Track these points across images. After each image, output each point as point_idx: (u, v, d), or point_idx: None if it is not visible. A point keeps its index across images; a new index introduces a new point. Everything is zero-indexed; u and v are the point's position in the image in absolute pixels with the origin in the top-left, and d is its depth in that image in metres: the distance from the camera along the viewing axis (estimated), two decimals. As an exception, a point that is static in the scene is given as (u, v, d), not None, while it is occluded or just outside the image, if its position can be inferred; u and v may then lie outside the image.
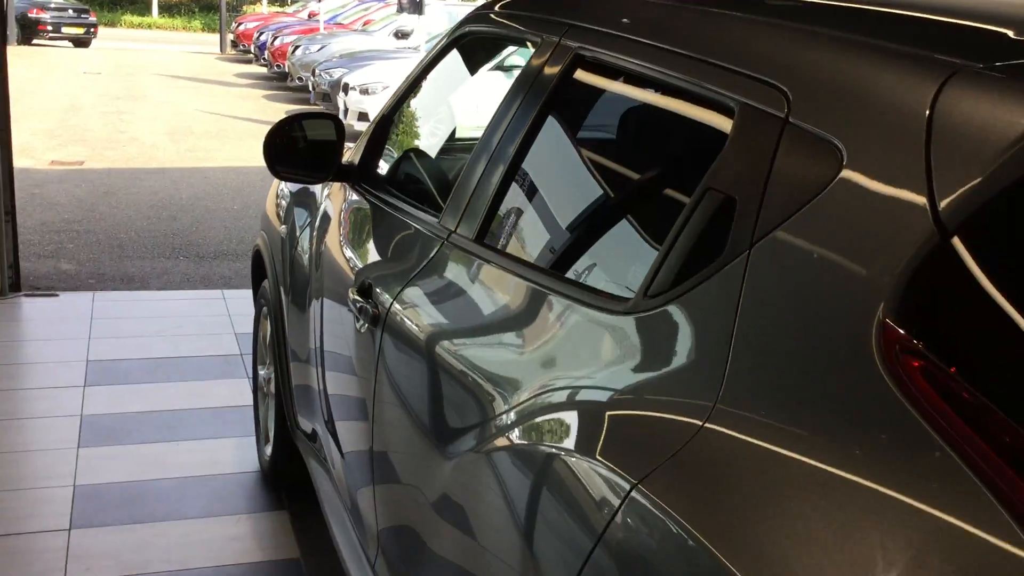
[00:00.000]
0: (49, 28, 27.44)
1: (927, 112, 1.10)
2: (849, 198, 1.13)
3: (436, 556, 1.72)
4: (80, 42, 27.98)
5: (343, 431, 2.43)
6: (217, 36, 29.90)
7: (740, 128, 1.32)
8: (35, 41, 27.57)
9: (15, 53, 25.75)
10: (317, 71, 14.88)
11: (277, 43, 19.87)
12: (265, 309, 3.43)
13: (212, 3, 37.55)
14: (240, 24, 27.47)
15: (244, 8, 34.68)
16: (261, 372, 3.61)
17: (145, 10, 39.79)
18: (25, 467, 3.60)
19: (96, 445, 3.75)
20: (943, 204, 1.04)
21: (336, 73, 13.82)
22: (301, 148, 2.64)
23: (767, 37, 1.42)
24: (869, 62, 1.23)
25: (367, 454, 2.18)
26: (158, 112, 14.76)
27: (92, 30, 28.40)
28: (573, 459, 1.31)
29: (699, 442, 1.15)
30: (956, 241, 1.02)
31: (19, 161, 9.92)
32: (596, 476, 1.24)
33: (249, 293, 4.31)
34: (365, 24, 19.76)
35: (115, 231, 7.45)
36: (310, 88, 15.69)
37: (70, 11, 28.19)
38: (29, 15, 27.39)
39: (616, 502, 1.18)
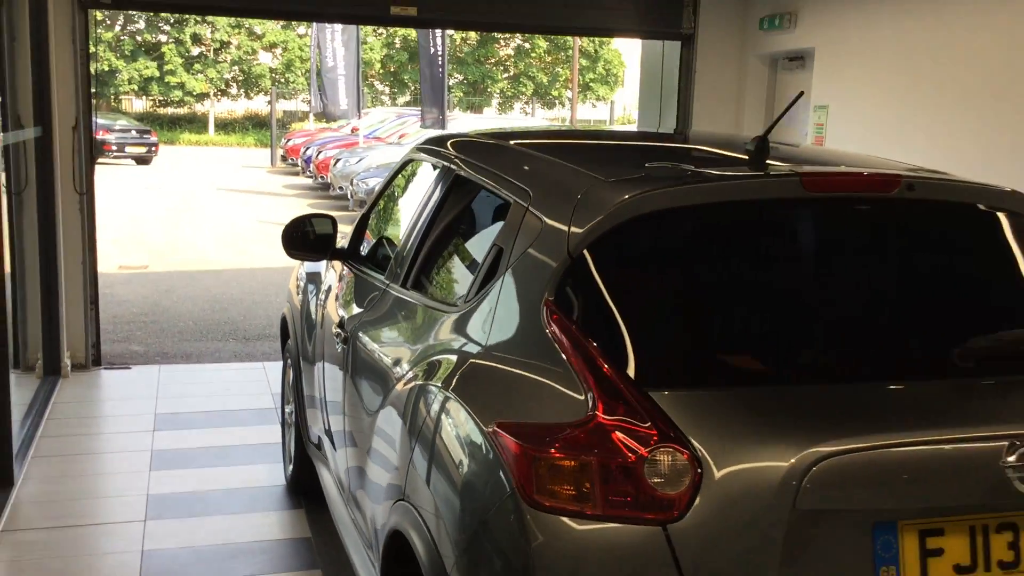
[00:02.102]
0: (114, 148, 29.57)
1: (579, 196, 2.28)
2: (543, 241, 2.31)
3: (367, 474, 2.87)
4: (142, 160, 30.02)
5: (332, 424, 3.59)
6: (268, 151, 31.85)
7: (510, 210, 2.52)
8: (100, 160, 29.68)
9: (83, 171, 27.76)
10: (355, 180, 16.43)
11: (321, 156, 21.57)
12: (289, 360, 4.64)
13: (264, 121, 39.84)
14: (288, 140, 29.40)
15: (292, 125, 36.86)
16: (287, 409, 4.79)
17: (203, 128, 42.24)
18: (108, 484, 4.79)
19: (163, 469, 4.94)
20: (572, 237, 2.21)
21: (371, 182, 15.32)
22: (309, 238, 3.86)
23: (524, 161, 2.64)
24: (565, 172, 2.44)
25: (342, 433, 3.34)
26: (213, 221, 16.31)
27: (153, 148, 30.49)
28: (431, 387, 2.45)
29: (473, 366, 2.30)
30: (581, 257, 2.19)
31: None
32: (434, 389, 2.40)
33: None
34: (400, 137, 21.38)
35: (176, 321, 8.76)
36: (348, 196, 17.21)
37: (133, 131, 30.35)
38: (96, 136, 29.60)
39: (443, 396, 2.33)
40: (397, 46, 40.11)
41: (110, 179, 25.02)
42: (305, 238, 3.82)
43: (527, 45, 40.66)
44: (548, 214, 2.33)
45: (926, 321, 2.18)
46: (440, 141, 3.37)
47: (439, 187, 3.11)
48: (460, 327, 2.48)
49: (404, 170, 3.76)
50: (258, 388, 6.38)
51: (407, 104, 37.05)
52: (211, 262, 12.44)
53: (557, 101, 42.33)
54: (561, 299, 2.15)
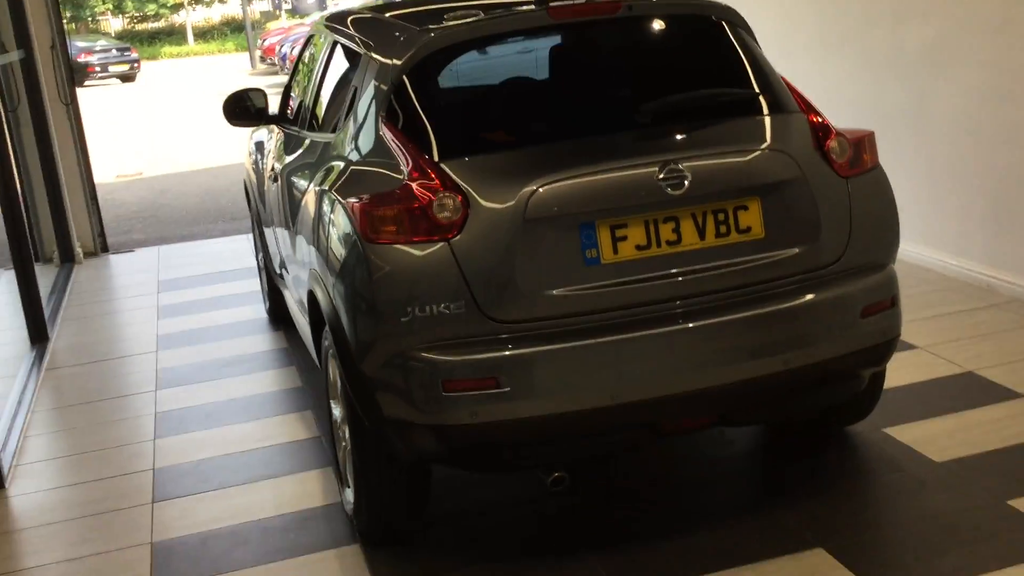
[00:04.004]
0: (97, 69, 30.23)
1: (400, 40, 3.28)
2: (378, 75, 3.31)
3: (295, 260, 3.94)
4: (126, 78, 30.71)
5: (282, 248, 4.65)
6: (247, 55, 32.40)
7: (361, 59, 3.51)
8: (87, 83, 30.36)
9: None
10: (327, 71, 17.23)
11: (295, 52, 22.26)
12: (251, 215, 5.70)
13: (241, 24, 40.15)
14: (264, 40, 29.95)
15: (267, 25, 37.21)
16: (259, 256, 5.87)
17: (182, 40, 42.57)
18: (125, 331, 5.94)
19: (169, 317, 6.08)
20: (393, 68, 3.22)
21: (341, 70, 16.13)
22: (246, 109, 4.85)
23: (376, 24, 3.63)
24: (397, 28, 3.43)
25: (288, 247, 4.41)
26: (199, 126, 17.25)
27: (135, 65, 31.13)
28: (322, 189, 3.48)
29: (342, 170, 3.34)
30: (401, 81, 3.19)
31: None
32: (324, 190, 3.43)
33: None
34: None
35: (171, 213, 9.85)
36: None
37: (114, 51, 30.96)
38: (78, 60, 30.17)
39: (327, 194, 3.36)
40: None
41: (99, 99, 25.79)
42: (243, 110, 4.82)
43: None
44: (381, 55, 3.34)
45: (629, 96, 3.21)
46: (330, 17, 4.35)
47: (327, 52, 4.11)
48: (337, 147, 3.52)
49: (309, 42, 4.75)
50: (245, 254, 7.47)
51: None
52: (201, 163, 13.44)
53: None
54: (390, 113, 3.18)
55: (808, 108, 3.28)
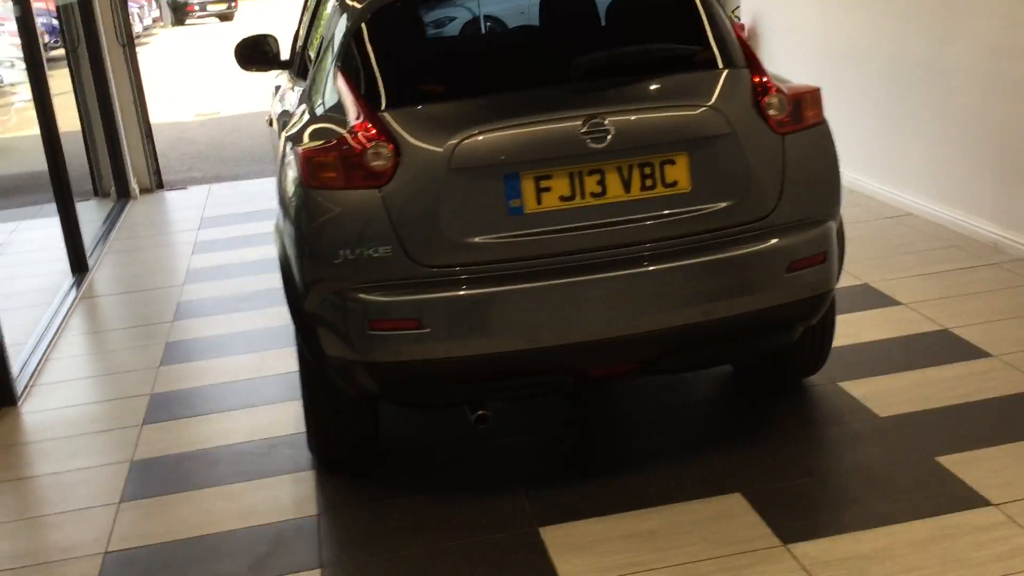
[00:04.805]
0: (196, 8, 30.97)
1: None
2: (339, 27, 3.47)
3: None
4: (224, 17, 31.38)
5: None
6: (341, -6, 32.67)
7: (332, 11, 3.66)
8: (187, 22, 31.16)
9: (173, 33, 29.35)
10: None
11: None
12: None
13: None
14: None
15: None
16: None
17: (281, -21, 43.08)
18: (162, 263, 6.28)
19: (203, 253, 6.39)
20: (352, 24, 3.37)
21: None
22: (257, 53, 5.04)
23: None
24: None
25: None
26: (280, 66, 17.62)
27: (233, 4, 31.75)
28: (286, 137, 3.66)
29: (301, 118, 3.51)
30: (357, 32, 3.34)
31: (172, 115, 12.96)
32: (286, 138, 3.62)
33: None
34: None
35: (233, 152, 10.21)
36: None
37: (212, -10, 31.64)
38: (178, 0, 31.02)
39: (287, 142, 3.55)
40: None
41: (196, 38, 26.48)
42: (254, 55, 5.01)
43: None
44: (344, 12, 3.49)
45: (566, 51, 3.29)
46: None
47: (317, 6, 4.28)
48: (305, 94, 3.70)
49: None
50: (286, 192, 7.77)
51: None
52: (273, 102, 13.78)
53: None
54: (345, 62, 3.33)
55: (752, 65, 3.32)
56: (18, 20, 5.63)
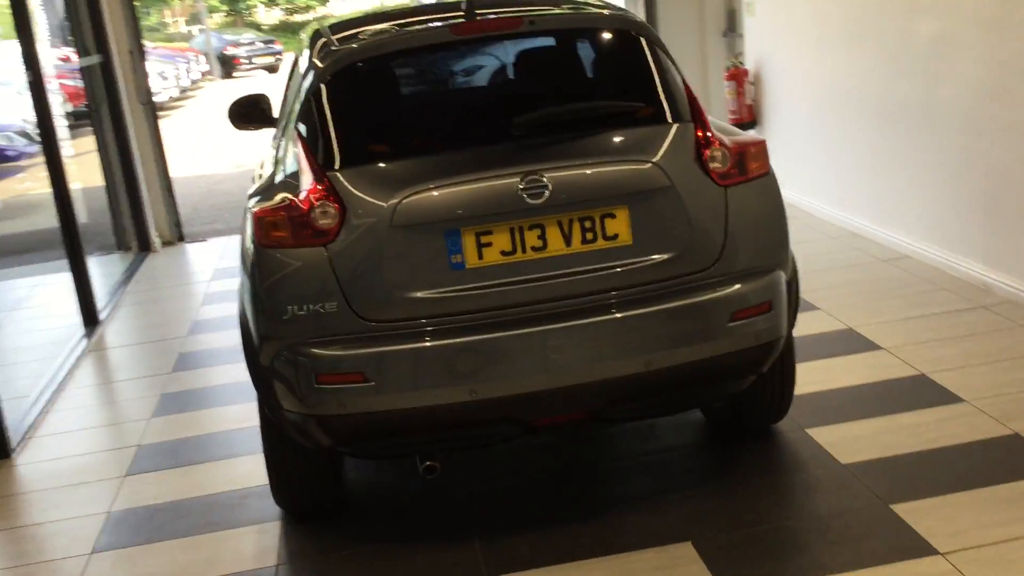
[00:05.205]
0: (243, 61, 31.72)
1: (320, 56, 3.53)
2: (302, 91, 3.59)
3: None
4: (271, 69, 32.06)
5: None
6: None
7: (298, 69, 3.78)
8: (234, 74, 31.91)
9: (222, 85, 30.08)
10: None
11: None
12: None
13: (383, 14, 41.15)
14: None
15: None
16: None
17: (328, 30, 43.99)
18: (167, 318, 6.45)
19: (210, 304, 6.55)
20: (313, 84, 3.48)
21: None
22: (249, 112, 5.19)
23: (317, 39, 3.90)
24: (326, 44, 3.70)
25: None
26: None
27: (279, 57, 32.46)
28: (249, 198, 3.77)
29: (264, 181, 3.63)
30: (316, 92, 3.45)
31: (212, 167, 13.30)
32: (247, 198, 3.73)
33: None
34: None
35: (258, 203, 10.43)
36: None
37: (258, 43, 32.40)
38: (225, 53, 31.80)
39: (248, 203, 3.67)
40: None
41: (243, 89, 27.06)
42: (246, 114, 5.16)
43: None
44: (311, 72, 3.60)
45: (508, 110, 3.36)
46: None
47: (296, 60, 4.42)
48: (271, 153, 3.83)
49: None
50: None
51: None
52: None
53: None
54: (303, 122, 3.44)
55: (697, 118, 3.35)
56: (30, 85, 5.86)
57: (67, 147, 10.17)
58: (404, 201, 3.08)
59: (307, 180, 3.21)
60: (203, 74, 31.01)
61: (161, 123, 8.66)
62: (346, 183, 3.17)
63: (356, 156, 3.29)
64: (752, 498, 3.46)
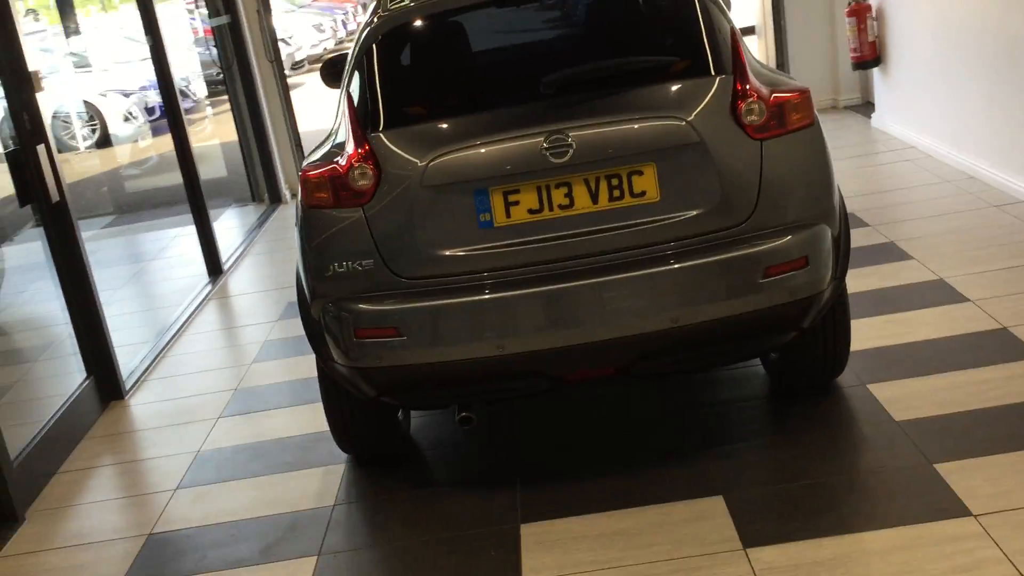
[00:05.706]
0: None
1: (369, 25, 3.65)
2: (353, 55, 3.71)
3: None
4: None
5: None
6: None
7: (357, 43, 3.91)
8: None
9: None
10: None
11: None
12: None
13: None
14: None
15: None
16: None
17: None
18: (285, 268, 6.78)
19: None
20: (359, 50, 3.60)
21: None
22: (341, 71, 5.37)
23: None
24: (373, 17, 3.80)
25: None
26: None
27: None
28: None
29: (322, 142, 3.79)
30: (361, 58, 3.57)
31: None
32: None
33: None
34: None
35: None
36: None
37: None
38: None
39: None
40: None
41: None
42: (336, 73, 5.34)
43: None
44: (361, 31, 3.73)
45: (543, 67, 3.39)
46: None
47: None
48: (335, 117, 3.99)
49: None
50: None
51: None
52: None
53: None
54: (350, 86, 3.59)
55: (737, 70, 3.28)
56: (151, 49, 6.23)
57: (207, 106, 10.77)
58: (433, 162, 3.18)
59: (351, 142, 3.35)
60: (359, 25, 31.67)
61: (312, 76, 8.98)
62: (386, 144, 3.29)
63: (397, 118, 3.40)
64: (795, 454, 3.44)
